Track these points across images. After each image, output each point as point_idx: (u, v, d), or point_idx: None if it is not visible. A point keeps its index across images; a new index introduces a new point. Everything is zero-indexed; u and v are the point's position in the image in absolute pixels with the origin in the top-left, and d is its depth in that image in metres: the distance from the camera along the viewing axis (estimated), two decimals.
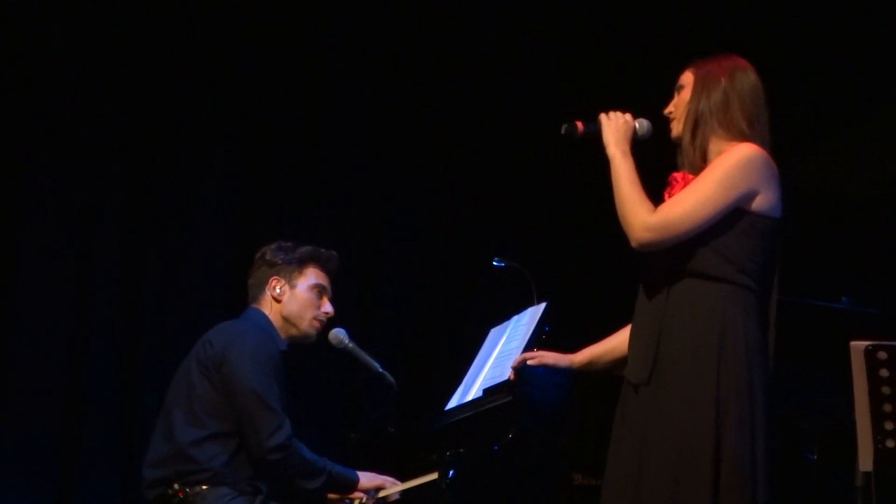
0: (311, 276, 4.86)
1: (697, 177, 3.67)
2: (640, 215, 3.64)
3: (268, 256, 4.87)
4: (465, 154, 6.99)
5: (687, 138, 3.79)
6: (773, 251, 3.70)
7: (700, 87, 3.79)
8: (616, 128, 3.82)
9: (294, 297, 4.83)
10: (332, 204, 6.81)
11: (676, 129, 3.83)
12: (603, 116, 3.86)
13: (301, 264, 4.86)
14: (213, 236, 6.48)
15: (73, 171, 6.21)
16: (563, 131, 3.94)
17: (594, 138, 3.85)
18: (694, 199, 3.61)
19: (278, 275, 4.84)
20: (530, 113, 6.94)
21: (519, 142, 6.98)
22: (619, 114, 3.86)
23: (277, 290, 4.82)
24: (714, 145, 3.75)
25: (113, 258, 6.25)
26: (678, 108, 3.83)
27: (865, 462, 3.47)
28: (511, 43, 7.03)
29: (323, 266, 4.90)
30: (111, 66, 6.30)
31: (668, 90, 3.88)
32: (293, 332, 4.83)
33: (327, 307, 4.88)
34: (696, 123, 3.77)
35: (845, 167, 6.27)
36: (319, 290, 4.87)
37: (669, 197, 3.72)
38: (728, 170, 3.63)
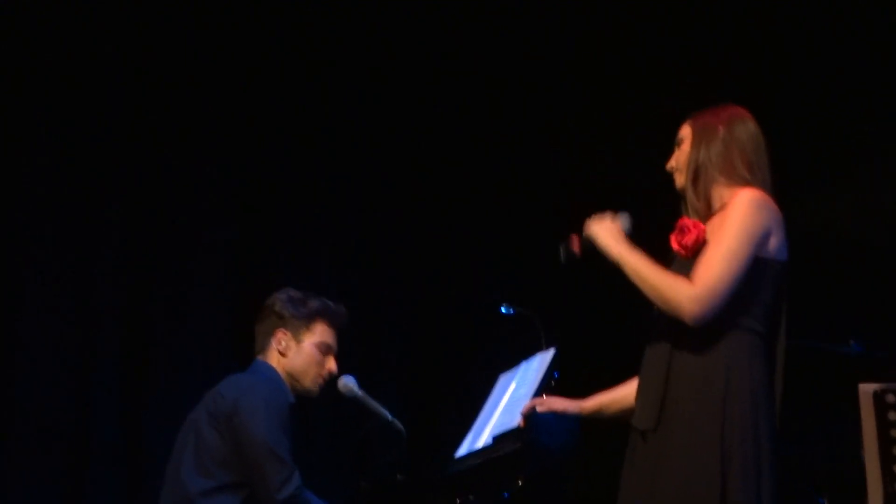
0: (318, 334, 4.85)
1: (716, 235, 3.68)
2: (681, 292, 3.64)
3: (276, 307, 4.86)
4: (473, 200, 7.01)
5: (690, 188, 3.83)
6: (779, 295, 3.71)
7: (699, 139, 3.84)
8: (608, 230, 3.86)
9: (299, 354, 4.82)
10: (338, 249, 6.82)
11: (680, 181, 3.88)
12: (592, 225, 3.89)
13: (309, 320, 4.84)
14: (217, 280, 6.49)
15: (77, 214, 6.22)
16: (562, 259, 3.99)
17: (592, 250, 3.87)
18: (723, 258, 3.63)
19: (285, 328, 4.82)
20: (537, 160, 6.98)
21: (527, 187, 7.01)
22: (602, 217, 3.89)
23: (283, 345, 4.81)
24: (717, 192, 3.79)
25: (117, 300, 6.25)
26: (679, 161, 3.88)
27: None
28: (519, 89, 7.06)
29: (331, 322, 4.89)
30: (113, 103, 6.33)
31: (668, 145, 3.92)
32: (296, 386, 4.82)
33: (332, 366, 4.87)
34: (697, 173, 3.81)
35: (851, 210, 6.27)
36: (325, 349, 4.86)
37: (679, 243, 3.75)
38: (743, 219, 3.66)
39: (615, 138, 6.68)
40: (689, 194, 3.83)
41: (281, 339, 4.82)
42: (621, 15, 6.79)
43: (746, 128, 3.84)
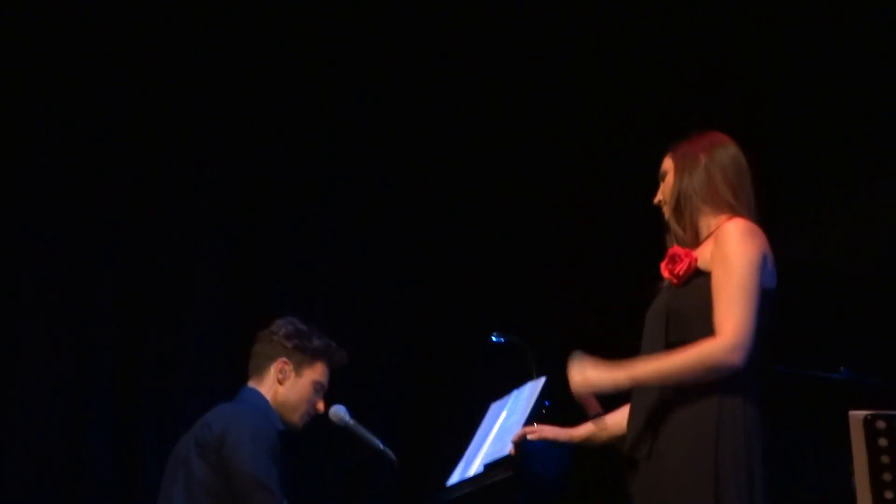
0: (317, 372, 4.84)
1: (717, 271, 3.66)
2: (714, 350, 3.59)
3: (282, 334, 4.85)
4: (464, 228, 7.01)
5: (675, 219, 3.83)
6: (767, 322, 3.72)
7: (681, 168, 3.84)
8: (594, 372, 3.77)
9: (295, 387, 4.82)
10: (330, 278, 6.82)
11: (668, 213, 3.88)
12: (579, 381, 3.81)
13: (313, 357, 4.84)
14: (211, 310, 6.48)
15: (74, 221, 6.24)
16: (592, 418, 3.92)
17: (599, 396, 3.85)
18: (739, 298, 3.61)
19: (289, 358, 4.82)
20: (527, 187, 6.98)
21: (517, 215, 7.01)
22: (575, 367, 3.83)
23: (283, 374, 4.81)
24: (704, 221, 3.80)
25: (111, 330, 6.25)
26: (665, 193, 3.88)
27: None
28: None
29: (331, 364, 4.89)
30: (113, 105, 6.35)
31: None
32: (284, 418, 4.81)
33: (321, 405, 4.88)
34: (680, 202, 3.82)
35: (842, 236, 6.29)
36: (320, 388, 4.86)
37: (670, 271, 3.75)
38: (743, 253, 3.65)
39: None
40: (674, 225, 3.83)
41: (283, 367, 4.81)
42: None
43: (728, 152, 3.85)
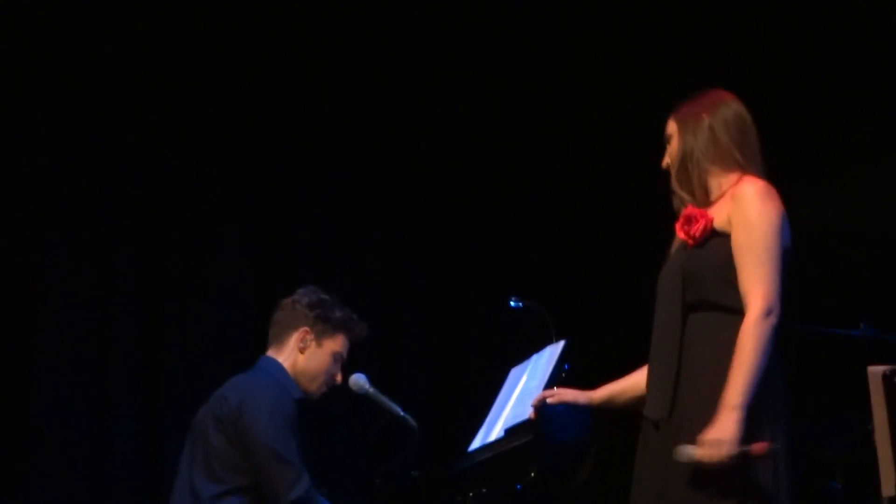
0: (338, 343, 4.85)
1: (738, 236, 3.64)
2: (757, 328, 3.55)
3: (305, 303, 4.85)
4: (482, 193, 7.04)
5: (682, 180, 3.81)
6: (787, 280, 3.70)
7: (684, 129, 3.82)
8: (725, 440, 3.50)
9: (315, 356, 4.81)
10: (349, 250, 6.84)
11: (673, 175, 3.86)
12: (724, 455, 3.52)
13: (336, 327, 4.84)
14: (232, 283, 6.54)
15: (92, 217, 6.29)
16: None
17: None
18: (762, 262, 3.61)
19: (310, 328, 4.82)
20: (544, 152, 6.98)
21: (535, 179, 7.03)
22: (711, 448, 3.53)
23: (303, 343, 4.81)
24: (714, 180, 3.78)
25: (133, 306, 6.32)
26: (672, 157, 3.86)
27: (888, 487, 3.46)
28: (519, 89, 7.07)
29: (351, 336, 4.89)
30: (120, 112, 6.39)
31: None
32: (302, 387, 4.81)
33: (339, 377, 4.88)
34: (686, 163, 3.79)
35: (860, 199, 6.26)
36: (339, 359, 4.86)
37: (686, 232, 3.73)
38: (765, 215, 3.64)
39: (615, 138, 6.67)
40: (679, 187, 3.81)
41: (304, 336, 4.81)
42: (621, 15, 6.80)
43: (731, 109, 3.82)
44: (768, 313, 3.56)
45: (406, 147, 6.96)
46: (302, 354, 4.80)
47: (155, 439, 6.23)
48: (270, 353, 4.84)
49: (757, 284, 3.58)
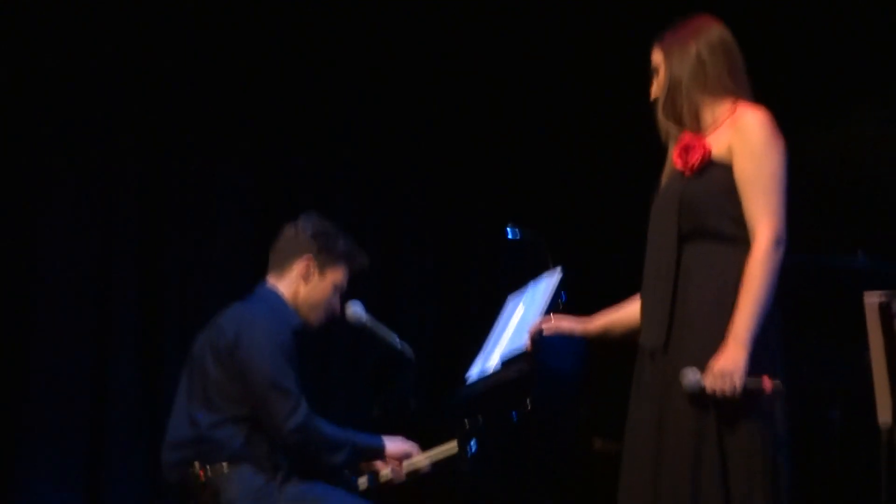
0: (340, 274, 4.80)
1: (748, 169, 3.62)
2: (767, 257, 3.54)
3: (310, 232, 4.80)
4: (478, 123, 7.03)
5: (670, 108, 3.77)
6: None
7: (670, 57, 3.78)
8: (732, 372, 3.49)
9: (317, 286, 4.77)
10: (350, 184, 6.85)
11: (660, 104, 3.81)
12: (729, 388, 3.52)
13: (338, 258, 4.80)
14: (234, 213, 6.54)
15: (94, 146, 6.26)
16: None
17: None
18: (769, 193, 3.60)
19: (314, 256, 4.79)
20: (542, 81, 6.95)
21: (532, 108, 7.01)
22: (718, 377, 3.52)
23: (307, 271, 4.78)
24: (707, 108, 3.75)
25: (135, 235, 6.32)
26: (661, 86, 3.81)
27: (884, 415, 3.46)
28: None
29: (353, 267, 4.85)
30: (126, 56, 6.36)
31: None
32: (302, 316, 4.77)
33: (338, 307, 4.86)
34: (673, 91, 3.76)
35: (869, 135, 6.25)
36: (340, 289, 4.84)
37: (681, 157, 3.70)
38: (769, 146, 3.63)
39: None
40: (666, 117, 3.77)
41: (308, 265, 4.78)
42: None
43: (715, 32, 3.79)
44: (778, 243, 3.56)
45: (413, 72, 6.95)
46: (305, 283, 4.77)
47: (156, 371, 6.26)
48: (270, 279, 4.81)
49: (766, 214, 3.57)
